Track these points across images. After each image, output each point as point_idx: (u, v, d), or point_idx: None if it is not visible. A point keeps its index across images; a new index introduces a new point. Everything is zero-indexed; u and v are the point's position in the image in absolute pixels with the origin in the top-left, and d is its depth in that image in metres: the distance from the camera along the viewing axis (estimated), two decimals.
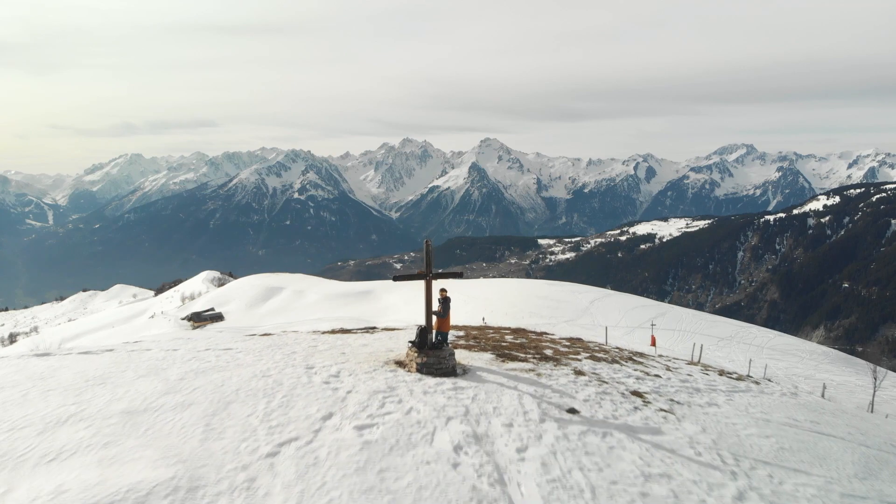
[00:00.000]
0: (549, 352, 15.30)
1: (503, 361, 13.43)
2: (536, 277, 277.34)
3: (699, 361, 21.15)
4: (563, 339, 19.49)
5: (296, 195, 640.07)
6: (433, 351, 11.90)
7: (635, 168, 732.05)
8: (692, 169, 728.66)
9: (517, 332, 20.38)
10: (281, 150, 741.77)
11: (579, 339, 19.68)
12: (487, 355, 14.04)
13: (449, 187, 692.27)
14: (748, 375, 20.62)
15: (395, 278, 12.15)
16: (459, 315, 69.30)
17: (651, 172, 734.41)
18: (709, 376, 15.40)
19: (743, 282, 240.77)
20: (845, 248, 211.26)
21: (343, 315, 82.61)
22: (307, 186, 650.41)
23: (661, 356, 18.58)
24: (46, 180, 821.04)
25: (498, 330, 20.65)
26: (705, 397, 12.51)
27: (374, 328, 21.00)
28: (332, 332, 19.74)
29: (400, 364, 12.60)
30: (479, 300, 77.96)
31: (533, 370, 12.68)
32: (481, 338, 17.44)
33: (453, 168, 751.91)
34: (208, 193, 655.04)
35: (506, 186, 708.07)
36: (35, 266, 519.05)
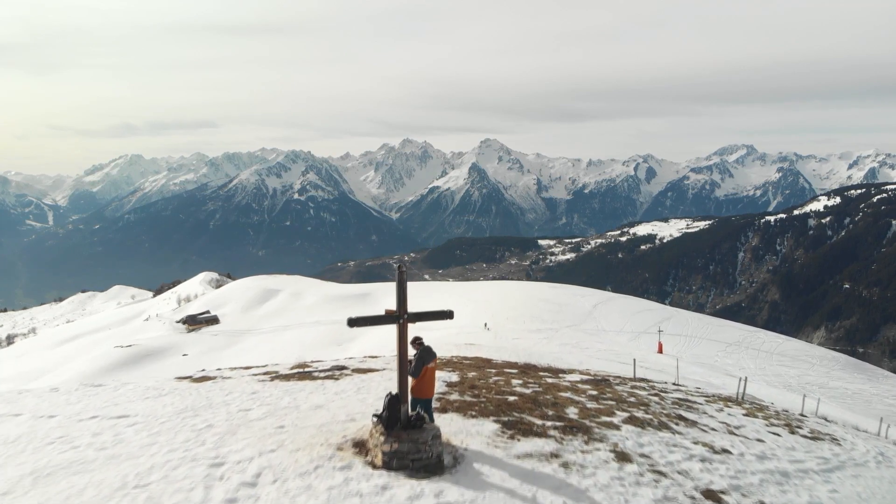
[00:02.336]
0: (572, 411, 11.42)
1: (512, 438, 9.47)
2: (537, 278, 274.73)
3: (743, 396, 17.37)
4: (585, 379, 15.39)
5: (296, 196, 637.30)
6: (409, 433, 8.05)
7: (635, 169, 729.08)
8: (692, 169, 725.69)
9: (526, 371, 16.14)
10: (281, 150, 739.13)
11: (605, 381, 15.55)
12: (489, 424, 10.11)
13: (449, 188, 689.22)
14: (802, 415, 16.90)
15: (352, 322, 7.84)
16: (460, 318, 66.37)
17: (651, 173, 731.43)
18: (781, 437, 11.67)
19: (743, 282, 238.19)
20: (846, 249, 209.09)
21: (340, 318, 79.60)
22: (307, 187, 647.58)
23: (708, 402, 14.63)
24: (46, 181, 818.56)
25: (501, 370, 16.34)
26: (803, 492, 8.66)
27: (344, 369, 17.01)
28: (287, 376, 15.46)
29: (360, 447, 8.71)
30: (479, 303, 75.25)
31: (556, 456, 8.70)
32: (481, 386, 13.47)
33: (453, 169, 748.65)
34: (208, 194, 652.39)
35: (506, 187, 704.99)
36: (35, 267, 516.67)
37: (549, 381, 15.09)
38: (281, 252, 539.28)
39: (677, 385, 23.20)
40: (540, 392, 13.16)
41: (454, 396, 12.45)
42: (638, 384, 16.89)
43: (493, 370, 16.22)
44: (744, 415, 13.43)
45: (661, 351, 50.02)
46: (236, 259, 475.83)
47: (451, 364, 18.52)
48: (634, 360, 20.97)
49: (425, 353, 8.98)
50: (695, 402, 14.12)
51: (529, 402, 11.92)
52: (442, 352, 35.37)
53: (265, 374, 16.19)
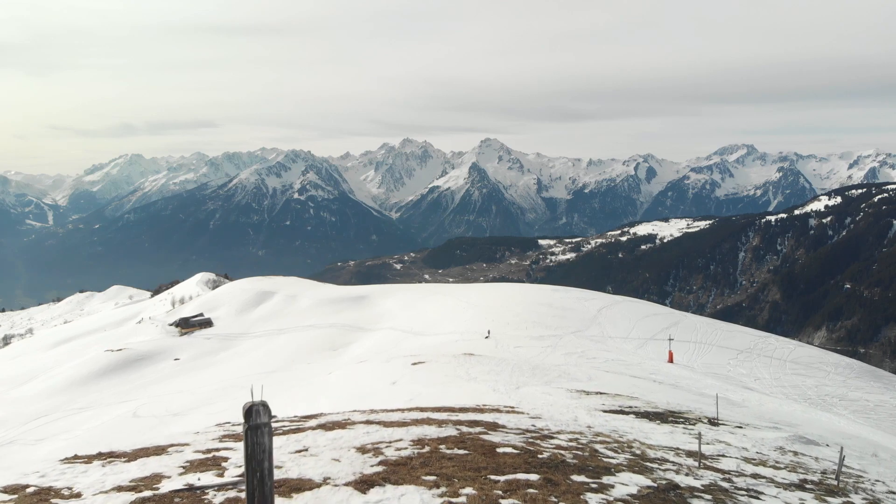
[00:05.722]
0: None
1: None
2: (537, 278, 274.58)
3: (840, 473, 13.86)
4: (644, 490, 9.20)
5: (296, 195, 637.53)
6: None
7: (636, 168, 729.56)
8: (693, 169, 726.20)
9: (553, 477, 8.16)
10: (281, 150, 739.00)
11: (674, 490, 9.45)
12: None
13: (449, 187, 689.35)
14: (891, 493, 14.10)
15: None
16: (460, 324, 65.56)
17: (651, 173, 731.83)
18: None
19: (744, 282, 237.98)
20: (847, 249, 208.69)
21: (336, 322, 78.67)
22: (307, 187, 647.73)
23: None
24: (46, 181, 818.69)
25: (514, 475, 6.73)
26: None
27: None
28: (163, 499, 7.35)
29: None
30: (480, 307, 74.07)
31: None
32: None
33: (453, 168, 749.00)
34: (208, 194, 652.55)
35: (506, 187, 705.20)
36: (35, 266, 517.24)
37: (593, 502, 8.06)
38: (281, 252, 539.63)
39: (716, 422, 18.17)
40: None
41: None
42: (712, 475, 11.57)
43: (501, 479, 5.89)
44: None
45: (671, 360, 49.07)
46: (236, 259, 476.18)
47: (432, 465, 9.30)
48: (700, 442, 16.20)
49: None
50: None
51: None
52: (437, 374, 31.46)
53: (137, 485, 7.78)
